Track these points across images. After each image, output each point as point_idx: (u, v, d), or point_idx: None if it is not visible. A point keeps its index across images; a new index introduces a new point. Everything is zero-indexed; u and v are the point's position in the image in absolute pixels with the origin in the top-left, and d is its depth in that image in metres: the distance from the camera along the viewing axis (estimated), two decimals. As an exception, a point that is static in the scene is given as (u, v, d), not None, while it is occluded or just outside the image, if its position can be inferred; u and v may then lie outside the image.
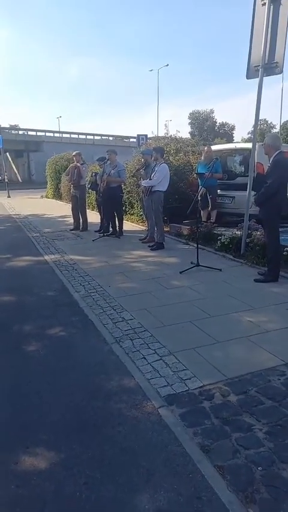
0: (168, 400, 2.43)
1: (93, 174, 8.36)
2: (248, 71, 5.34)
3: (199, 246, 5.44)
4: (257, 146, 5.67)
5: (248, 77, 5.36)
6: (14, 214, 12.66)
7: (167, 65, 50.91)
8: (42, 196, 19.57)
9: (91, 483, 1.85)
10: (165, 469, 1.91)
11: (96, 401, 2.48)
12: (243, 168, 7.93)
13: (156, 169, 6.37)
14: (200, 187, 6.49)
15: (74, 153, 8.93)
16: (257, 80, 5.18)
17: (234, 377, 2.64)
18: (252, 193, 5.21)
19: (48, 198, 18.59)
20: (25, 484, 1.87)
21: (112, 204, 7.72)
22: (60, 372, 2.87)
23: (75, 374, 2.84)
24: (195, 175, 7.76)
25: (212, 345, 3.11)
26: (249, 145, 7.83)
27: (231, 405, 2.35)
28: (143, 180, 6.76)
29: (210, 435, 2.11)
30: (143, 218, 9.09)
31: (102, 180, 7.49)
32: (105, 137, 48.52)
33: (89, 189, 8.88)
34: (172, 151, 8.85)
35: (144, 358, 2.96)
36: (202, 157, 7.55)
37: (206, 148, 7.81)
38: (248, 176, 7.14)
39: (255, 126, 5.49)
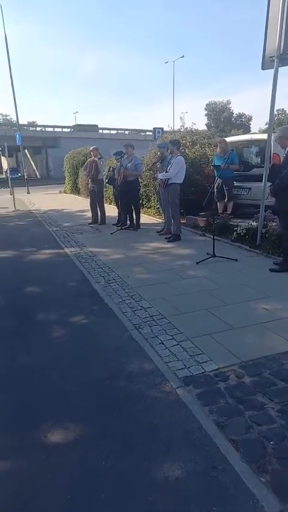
0: (185, 381, 2.57)
1: (111, 169, 8.48)
2: (263, 62, 5.32)
3: (215, 237, 5.52)
4: (272, 137, 5.66)
5: (263, 68, 5.35)
6: (34, 210, 12.96)
7: (183, 56, 50.45)
8: (60, 192, 19.87)
9: (114, 454, 2.01)
10: (183, 442, 2.06)
11: (118, 382, 2.64)
12: (259, 159, 7.90)
13: (172, 161, 6.46)
14: (216, 178, 6.54)
15: (91, 148, 9.07)
16: (272, 70, 5.17)
17: (248, 360, 2.75)
18: (268, 184, 5.24)
19: (67, 193, 18.87)
20: (53, 455, 2.05)
21: (129, 198, 7.85)
22: (83, 356, 3.04)
23: (97, 358, 3.00)
24: (211, 167, 7.79)
25: (227, 331, 3.22)
26: (265, 136, 7.80)
27: (245, 386, 2.47)
28: (160, 173, 6.86)
29: (225, 413, 2.24)
30: (159, 211, 9.20)
31: (120, 174, 7.62)
32: (121, 131, 48.57)
33: (106, 183, 9.02)
34: (188, 143, 8.88)
35: (162, 343, 3.10)
36: (217, 150, 7.56)
37: (220, 140, 7.82)
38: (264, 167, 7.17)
39: (270, 116, 5.48)
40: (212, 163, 7.55)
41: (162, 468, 1.90)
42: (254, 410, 2.23)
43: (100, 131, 46.14)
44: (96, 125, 47.87)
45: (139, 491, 1.78)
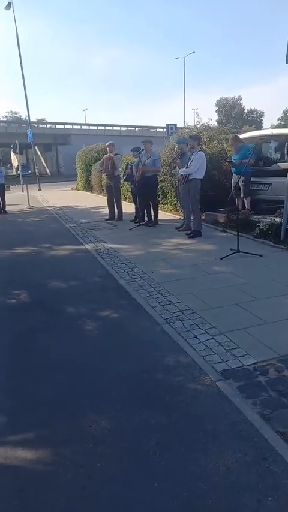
0: (224, 374, 2.58)
1: (129, 166, 8.46)
2: (287, 55, 5.28)
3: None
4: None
5: (287, 61, 5.31)
6: (48, 207, 13.04)
7: (193, 52, 49.98)
8: (72, 189, 19.95)
9: (162, 444, 2.03)
10: (230, 433, 2.07)
11: (155, 375, 2.66)
12: (279, 155, 7.84)
13: (193, 157, 6.44)
14: (234, 175, 6.49)
15: (107, 144, 9.08)
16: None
17: (286, 354, 2.74)
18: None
19: (79, 190, 18.94)
20: (101, 443, 2.08)
21: (148, 194, 7.85)
22: (116, 350, 3.07)
23: (131, 351, 3.02)
24: (226, 163, 7.76)
25: (261, 325, 3.22)
26: (285, 130, 7.75)
27: (287, 379, 2.47)
28: (179, 168, 6.84)
29: (269, 405, 2.24)
30: (176, 207, 9.19)
31: (138, 170, 7.62)
32: (131, 128, 48.51)
33: (124, 180, 9.02)
34: (205, 139, 8.84)
35: (196, 337, 3.11)
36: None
37: (231, 137, 7.79)
38: (285, 162, 7.12)
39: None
40: (230, 159, 7.52)
41: (212, 458, 1.91)
42: (298, 403, 2.24)
43: (110, 128, 46.12)
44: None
45: (191, 479, 1.80)
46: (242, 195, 7.44)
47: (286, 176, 5.62)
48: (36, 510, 1.72)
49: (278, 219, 5.79)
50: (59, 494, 1.78)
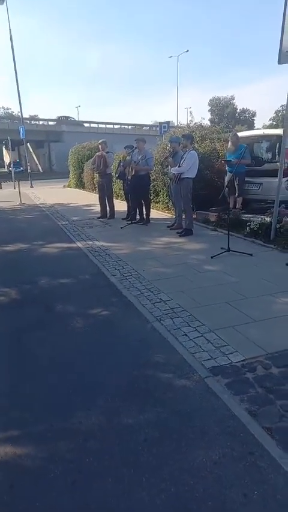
0: (213, 371, 2.61)
1: (121, 164, 8.46)
2: (279, 56, 5.31)
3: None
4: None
5: (279, 62, 5.34)
6: (40, 204, 12.97)
7: (187, 50, 50.09)
8: (64, 186, 19.87)
9: (151, 440, 2.06)
10: (217, 428, 2.10)
11: (146, 371, 2.68)
12: (270, 155, 7.92)
13: (185, 156, 6.47)
14: (228, 173, 6.54)
15: (99, 142, 9.07)
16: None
17: (274, 352, 2.79)
18: (284, 179, 5.26)
19: (71, 187, 18.86)
20: (92, 439, 2.10)
21: (140, 192, 7.86)
22: (107, 347, 3.09)
23: (121, 348, 3.04)
24: (222, 161, 7.80)
25: (250, 323, 3.26)
26: (276, 131, 7.83)
27: (274, 376, 2.52)
28: (172, 167, 6.87)
29: (256, 401, 2.28)
30: (168, 206, 9.22)
31: (131, 168, 7.62)
32: (124, 126, 48.41)
33: (117, 178, 9.02)
34: (197, 138, 8.87)
35: (186, 335, 3.15)
36: (229, 145, 7.56)
37: (232, 135, 7.82)
38: (276, 162, 7.19)
39: (287, 111, 5.48)
40: (224, 158, 7.56)
41: (200, 453, 1.95)
42: (285, 399, 2.28)
43: (103, 126, 45.97)
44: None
45: (179, 474, 1.83)
46: (237, 194, 7.50)
47: (277, 176, 5.69)
48: (27, 504, 1.73)
49: (268, 219, 5.85)
50: (49, 488, 1.80)
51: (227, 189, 6.53)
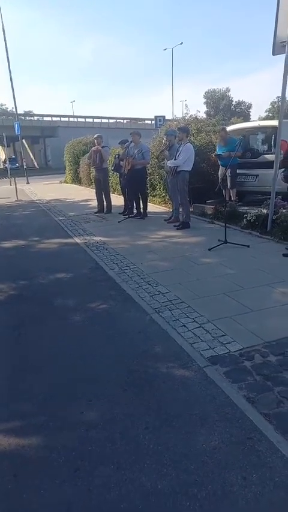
0: (211, 360, 2.65)
1: (116, 156, 8.48)
2: (274, 47, 5.29)
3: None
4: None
5: (274, 53, 5.34)
6: (36, 200, 12.95)
7: (181, 43, 49.87)
8: (61, 182, 19.82)
9: (151, 428, 2.10)
10: (216, 415, 2.15)
11: (146, 362, 2.72)
12: (266, 147, 7.92)
13: (181, 149, 6.47)
14: (220, 167, 6.55)
15: (95, 136, 9.04)
16: (282, 56, 5.17)
17: (271, 341, 2.83)
18: (280, 170, 5.28)
19: (67, 183, 18.82)
20: (93, 428, 2.14)
21: (137, 186, 7.87)
22: (107, 339, 3.12)
23: (121, 340, 3.08)
24: (214, 156, 7.81)
25: (247, 313, 3.31)
26: (272, 122, 7.82)
27: (271, 364, 2.56)
28: (168, 160, 6.87)
29: (254, 389, 2.33)
30: (165, 199, 9.23)
31: (127, 163, 7.62)
32: (119, 120, 48.17)
33: (112, 170, 9.02)
34: (193, 131, 8.86)
35: (185, 326, 3.18)
36: (219, 139, 7.58)
37: (219, 129, 7.84)
38: (272, 154, 7.19)
39: (282, 102, 5.49)
40: (215, 153, 7.57)
41: (200, 440, 1.99)
42: (283, 386, 2.32)
43: (98, 120, 45.73)
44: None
45: (179, 460, 1.87)
46: (229, 187, 7.52)
47: (273, 168, 5.71)
48: (31, 492, 1.77)
49: (264, 210, 5.88)
50: (53, 476, 1.83)
51: (222, 182, 6.54)
